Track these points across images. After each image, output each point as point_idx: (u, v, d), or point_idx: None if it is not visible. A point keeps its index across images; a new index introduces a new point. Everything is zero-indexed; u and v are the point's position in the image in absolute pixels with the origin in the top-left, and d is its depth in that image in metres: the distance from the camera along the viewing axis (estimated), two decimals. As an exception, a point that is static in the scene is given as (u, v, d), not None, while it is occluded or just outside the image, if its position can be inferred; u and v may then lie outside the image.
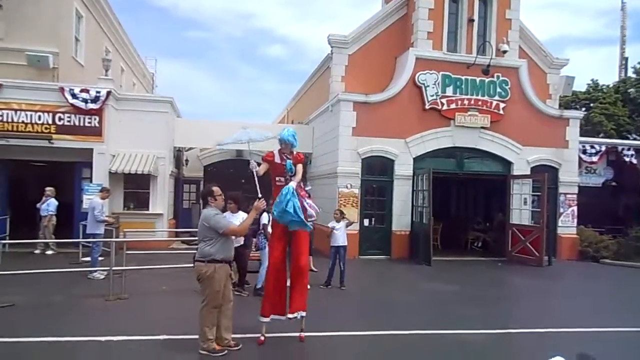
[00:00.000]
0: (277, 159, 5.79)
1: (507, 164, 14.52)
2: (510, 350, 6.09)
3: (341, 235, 9.25)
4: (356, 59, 14.77)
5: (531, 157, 14.47)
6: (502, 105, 14.13)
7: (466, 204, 19.61)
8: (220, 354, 5.12)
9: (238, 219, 7.73)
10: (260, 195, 5.51)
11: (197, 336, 5.55)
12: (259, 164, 5.77)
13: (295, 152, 5.86)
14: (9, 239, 11.86)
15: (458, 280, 10.70)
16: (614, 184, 17.74)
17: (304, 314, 5.70)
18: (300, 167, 5.75)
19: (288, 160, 5.76)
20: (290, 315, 5.69)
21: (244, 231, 5.57)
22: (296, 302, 5.68)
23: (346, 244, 9.31)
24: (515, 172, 14.40)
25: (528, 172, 14.41)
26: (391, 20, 15.03)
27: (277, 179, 5.79)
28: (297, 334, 5.77)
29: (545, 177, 13.33)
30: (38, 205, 12.66)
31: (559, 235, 14.64)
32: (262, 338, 5.62)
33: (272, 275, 5.72)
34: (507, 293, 10.15)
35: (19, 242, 9.52)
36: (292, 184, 5.41)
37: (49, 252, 12.29)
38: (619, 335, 6.62)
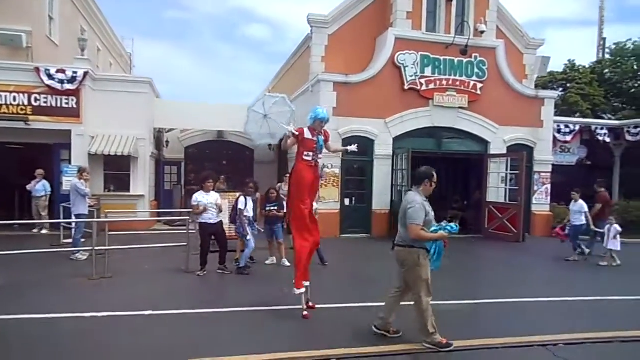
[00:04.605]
0: (308, 135, 5.83)
1: (485, 143, 14.84)
2: (479, 318, 6.40)
3: None
4: (336, 39, 14.77)
5: (507, 136, 14.82)
6: (479, 85, 14.37)
7: (446, 183, 19.96)
8: (447, 348, 4.79)
9: (211, 198, 8.10)
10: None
11: (181, 310, 5.74)
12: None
13: (324, 130, 6.02)
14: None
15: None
16: (588, 162, 18.27)
17: (308, 283, 6.10)
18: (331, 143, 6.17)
19: (319, 137, 5.86)
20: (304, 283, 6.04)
21: (425, 239, 4.80)
22: (306, 272, 6.09)
23: None
24: (492, 152, 14.74)
25: (504, 152, 14.77)
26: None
27: (305, 154, 5.84)
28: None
29: (523, 156, 13.67)
30: (29, 187, 12.77)
31: (532, 213, 15.11)
32: (307, 313, 5.82)
33: (307, 254, 5.96)
34: (481, 267, 10.53)
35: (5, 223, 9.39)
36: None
37: (45, 231, 12.56)
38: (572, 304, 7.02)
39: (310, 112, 5.95)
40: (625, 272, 9.70)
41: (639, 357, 5.03)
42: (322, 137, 5.90)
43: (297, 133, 5.78)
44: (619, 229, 10.36)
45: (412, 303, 4.96)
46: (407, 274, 4.93)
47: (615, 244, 10.22)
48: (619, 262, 10.16)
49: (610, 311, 6.68)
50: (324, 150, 6.07)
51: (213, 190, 8.47)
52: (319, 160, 5.96)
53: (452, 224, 4.88)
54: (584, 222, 10.59)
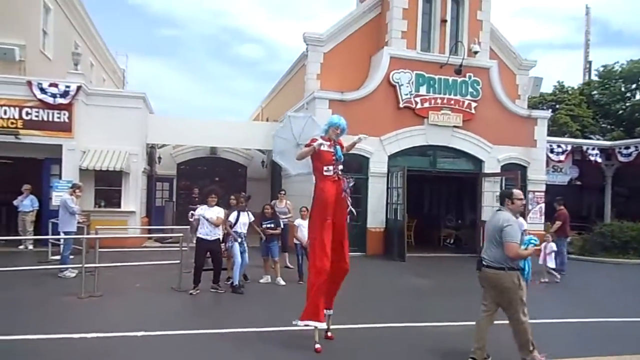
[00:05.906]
0: (324, 147, 5.27)
1: (479, 162, 14.86)
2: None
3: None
4: (332, 57, 14.82)
5: (501, 155, 14.86)
6: (473, 104, 14.46)
7: (439, 202, 19.95)
8: None
9: (213, 212, 7.80)
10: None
11: (175, 332, 5.54)
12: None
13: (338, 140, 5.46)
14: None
15: (431, 274, 10.92)
16: (578, 182, 18.41)
17: (331, 312, 5.63)
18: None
19: (337, 147, 5.31)
20: (326, 312, 5.47)
21: (523, 257, 4.75)
22: (331, 300, 5.57)
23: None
24: (486, 171, 14.75)
25: (498, 170, 14.78)
26: (366, 19, 15.15)
27: (325, 169, 5.27)
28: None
29: (518, 175, 13.65)
30: (16, 202, 12.59)
31: (527, 232, 15.02)
32: (319, 346, 5.17)
33: (324, 281, 5.27)
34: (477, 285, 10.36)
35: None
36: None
37: (30, 247, 12.31)
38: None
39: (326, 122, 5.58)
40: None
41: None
42: (339, 148, 5.37)
43: (316, 147, 5.19)
44: (554, 247, 10.40)
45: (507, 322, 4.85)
46: (502, 297, 4.77)
47: (550, 262, 10.24)
48: (557, 280, 10.19)
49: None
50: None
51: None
52: (340, 173, 5.37)
53: (532, 237, 4.85)
54: None
